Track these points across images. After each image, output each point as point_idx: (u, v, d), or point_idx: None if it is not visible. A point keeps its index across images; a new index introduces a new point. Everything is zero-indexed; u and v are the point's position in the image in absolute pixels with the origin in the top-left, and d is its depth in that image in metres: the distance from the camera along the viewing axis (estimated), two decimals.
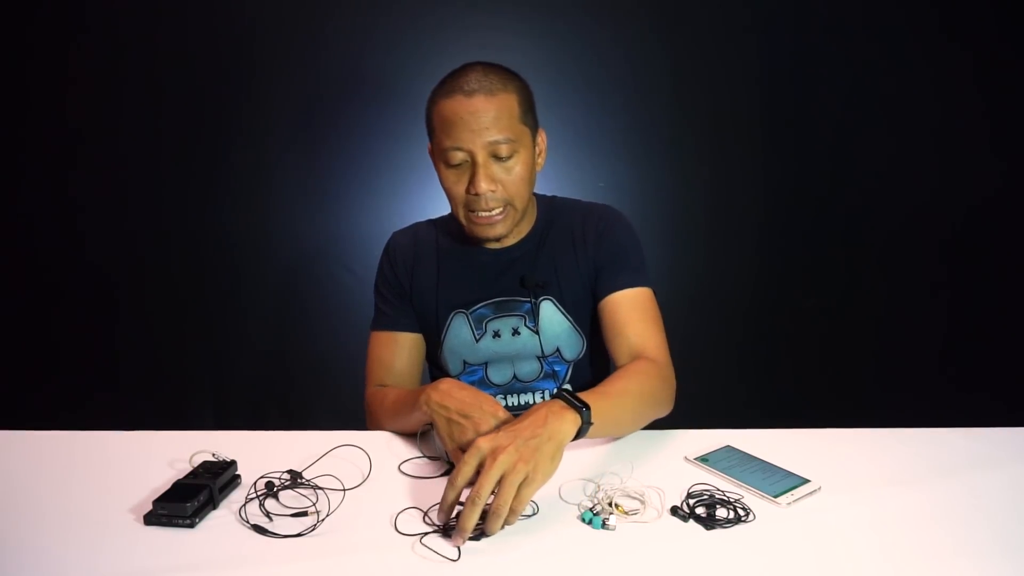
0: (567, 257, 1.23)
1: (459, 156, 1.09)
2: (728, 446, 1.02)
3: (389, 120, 2.30)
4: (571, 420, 0.86)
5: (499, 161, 1.10)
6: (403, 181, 2.34)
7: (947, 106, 2.33)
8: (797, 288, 2.47)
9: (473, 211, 1.13)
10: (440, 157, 1.12)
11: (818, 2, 2.29)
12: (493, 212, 1.12)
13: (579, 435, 0.87)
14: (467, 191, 1.11)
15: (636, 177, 2.37)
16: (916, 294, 2.44)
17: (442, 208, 1.38)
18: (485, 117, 1.06)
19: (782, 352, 2.51)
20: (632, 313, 1.16)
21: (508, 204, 1.13)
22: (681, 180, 2.39)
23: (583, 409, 0.87)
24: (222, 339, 2.44)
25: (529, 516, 0.84)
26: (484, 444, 0.80)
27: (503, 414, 0.93)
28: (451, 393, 0.97)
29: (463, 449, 0.90)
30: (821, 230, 2.43)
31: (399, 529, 0.82)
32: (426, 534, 0.80)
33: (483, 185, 1.08)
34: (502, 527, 0.79)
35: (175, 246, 2.36)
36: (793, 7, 2.29)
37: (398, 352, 1.25)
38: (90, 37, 2.23)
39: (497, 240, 1.19)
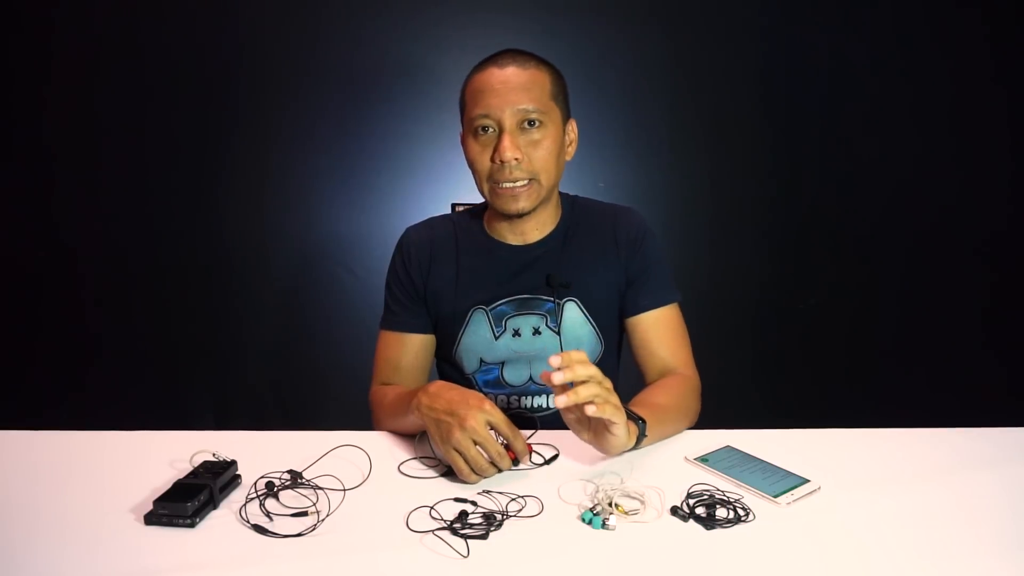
0: (595, 261, 1.21)
1: (487, 122, 1.08)
2: (728, 446, 1.02)
3: (389, 120, 2.31)
4: (633, 432, 0.93)
5: (526, 132, 1.08)
6: (403, 181, 2.34)
7: (960, 105, 2.33)
8: (796, 289, 2.47)
9: (497, 183, 1.10)
10: (468, 128, 1.11)
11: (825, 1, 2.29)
12: (517, 184, 1.09)
13: (635, 447, 0.96)
14: (492, 160, 1.09)
15: (636, 177, 2.37)
16: (917, 295, 2.44)
17: (443, 209, 1.39)
18: (515, 84, 1.07)
19: (782, 352, 2.51)
20: (663, 333, 1.20)
21: (533, 178, 1.10)
22: (682, 180, 2.39)
23: (640, 422, 0.95)
24: (223, 339, 2.44)
25: (533, 516, 0.85)
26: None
27: (489, 407, 0.93)
28: (439, 394, 0.96)
29: (456, 448, 0.90)
30: (819, 231, 2.43)
31: (410, 527, 0.82)
32: (436, 530, 0.80)
33: (508, 152, 1.06)
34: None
35: (175, 246, 2.36)
36: (797, 6, 2.29)
37: (405, 352, 1.24)
38: (91, 35, 2.24)
39: (520, 216, 1.14)
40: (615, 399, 0.89)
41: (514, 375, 1.22)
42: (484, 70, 1.10)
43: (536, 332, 1.19)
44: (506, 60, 1.09)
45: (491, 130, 1.09)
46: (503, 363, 1.21)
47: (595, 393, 0.86)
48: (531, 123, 1.08)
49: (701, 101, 2.34)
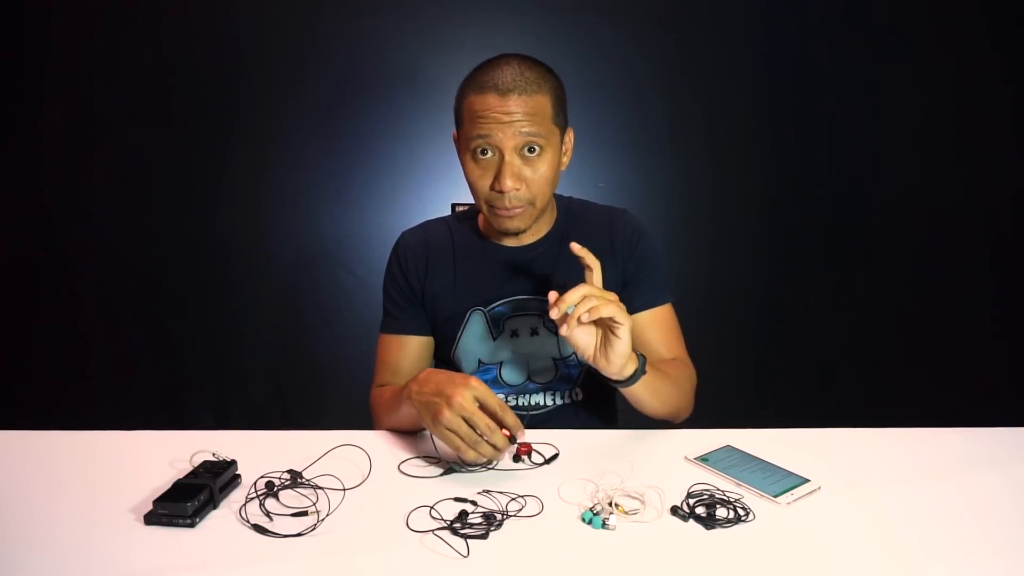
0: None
1: (487, 151, 1.08)
2: (728, 446, 1.02)
3: (389, 120, 2.31)
4: (634, 358, 0.98)
5: (526, 160, 1.08)
6: (403, 181, 2.34)
7: (965, 106, 2.33)
8: (797, 289, 2.46)
9: (494, 206, 1.11)
10: (467, 149, 1.10)
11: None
12: (514, 208, 1.10)
13: (632, 379, 0.99)
14: (491, 187, 1.09)
15: (636, 177, 2.37)
16: (919, 296, 2.44)
17: (443, 209, 1.39)
18: (517, 114, 1.05)
19: (783, 352, 2.51)
20: (658, 332, 1.22)
21: (530, 203, 1.11)
22: (682, 180, 2.39)
23: (640, 356, 1.01)
24: (222, 339, 2.44)
25: (533, 516, 0.85)
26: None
27: (476, 383, 0.93)
28: (428, 379, 0.98)
29: (447, 427, 0.91)
30: (818, 231, 2.43)
31: (410, 527, 0.82)
32: (436, 530, 0.80)
33: (508, 183, 1.06)
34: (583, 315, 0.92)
35: (175, 246, 2.36)
36: (800, 5, 2.29)
37: (404, 355, 1.25)
38: (88, 35, 2.23)
39: (516, 234, 1.16)
40: (616, 302, 0.94)
41: (512, 375, 1.22)
42: (484, 92, 1.05)
43: (534, 332, 1.20)
44: (507, 82, 1.04)
45: (490, 154, 1.08)
46: (501, 363, 1.22)
47: (589, 307, 0.92)
48: (531, 149, 1.08)
49: (702, 100, 2.34)
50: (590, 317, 0.91)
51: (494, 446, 0.92)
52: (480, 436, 0.91)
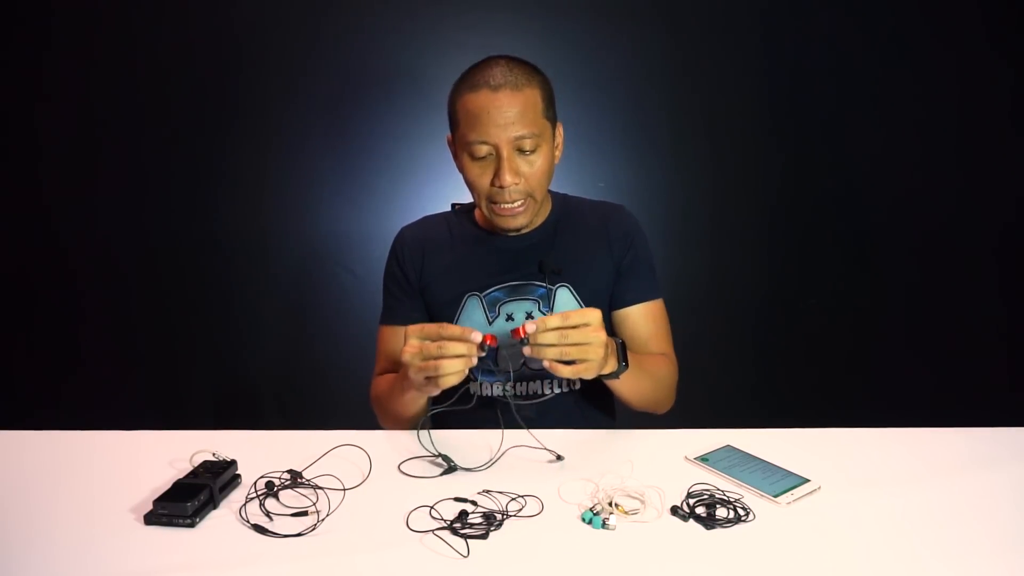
0: (587, 252, 1.25)
1: (484, 149, 1.11)
2: (728, 446, 1.02)
3: (389, 120, 2.31)
4: (613, 362, 1.02)
5: (523, 155, 1.12)
6: (403, 181, 2.34)
7: (965, 106, 2.32)
8: (797, 289, 2.46)
9: (496, 203, 1.15)
10: (464, 149, 1.14)
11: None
12: (515, 204, 1.15)
13: (612, 376, 1.04)
14: (491, 183, 1.13)
15: (636, 177, 2.37)
16: (919, 295, 2.44)
17: (443, 207, 1.39)
18: (511, 112, 1.09)
19: (782, 352, 2.51)
20: (649, 326, 1.27)
21: (529, 196, 1.16)
22: (681, 180, 2.39)
23: (623, 364, 1.05)
24: (223, 339, 2.44)
25: (533, 516, 0.85)
26: (590, 312, 0.96)
27: (412, 330, 0.98)
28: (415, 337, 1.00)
29: (426, 377, 0.95)
30: (819, 230, 2.43)
31: (410, 527, 0.82)
32: (436, 530, 0.80)
33: (508, 178, 1.11)
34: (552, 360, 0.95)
35: (175, 246, 2.36)
36: (801, 4, 2.29)
37: (401, 344, 1.27)
38: (88, 35, 2.23)
39: (517, 231, 1.21)
40: (575, 339, 0.94)
41: (508, 362, 1.24)
42: (477, 91, 1.10)
43: (529, 317, 1.23)
44: (497, 78, 1.09)
45: (488, 154, 1.12)
46: (497, 349, 1.23)
47: (554, 347, 0.94)
48: (527, 146, 1.11)
49: (703, 100, 2.34)
50: (557, 372, 0.96)
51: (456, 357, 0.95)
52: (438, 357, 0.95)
